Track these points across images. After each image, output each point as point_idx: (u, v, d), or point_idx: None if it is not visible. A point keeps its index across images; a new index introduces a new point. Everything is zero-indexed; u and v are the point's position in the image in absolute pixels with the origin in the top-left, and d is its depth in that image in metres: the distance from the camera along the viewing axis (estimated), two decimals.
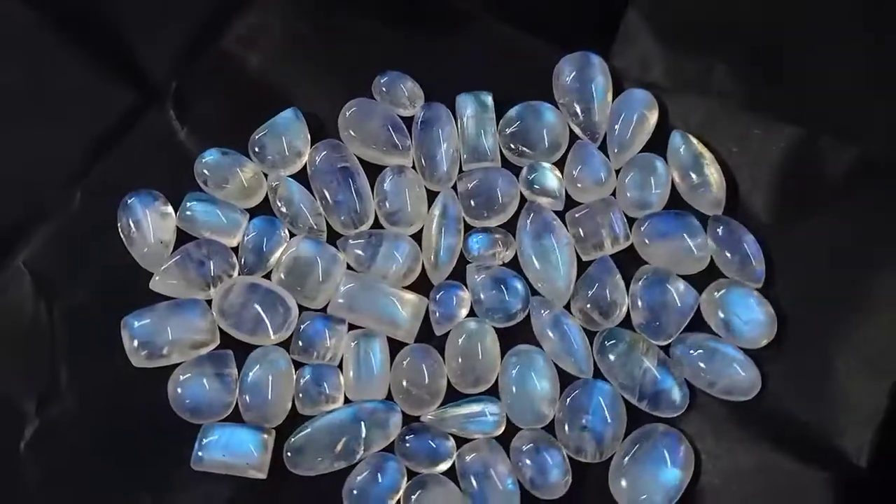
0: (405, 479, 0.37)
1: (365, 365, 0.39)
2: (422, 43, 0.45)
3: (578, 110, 0.43)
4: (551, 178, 0.42)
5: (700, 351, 0.38)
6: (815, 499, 0.36)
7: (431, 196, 0.42)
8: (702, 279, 0.40)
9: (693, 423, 0.38)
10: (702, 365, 0.38)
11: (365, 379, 0.39)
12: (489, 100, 0.43)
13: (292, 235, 0.41)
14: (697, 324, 0.39)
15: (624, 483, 0.36)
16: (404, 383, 0.38)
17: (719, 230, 0.40)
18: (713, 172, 0.41)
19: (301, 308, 0.40)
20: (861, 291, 0.39)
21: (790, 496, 0.36)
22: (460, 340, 0.39)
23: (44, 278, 0.40)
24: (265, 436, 0.37)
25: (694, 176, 0.41)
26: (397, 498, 0.36)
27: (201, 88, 0.44)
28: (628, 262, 0.40)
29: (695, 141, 0.41)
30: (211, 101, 0.44)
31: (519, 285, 0.40)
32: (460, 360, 0.39)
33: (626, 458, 0.36)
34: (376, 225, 0.42)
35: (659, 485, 0.36)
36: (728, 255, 0.39)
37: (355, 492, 0.36)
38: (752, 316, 0.38)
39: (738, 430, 0.38)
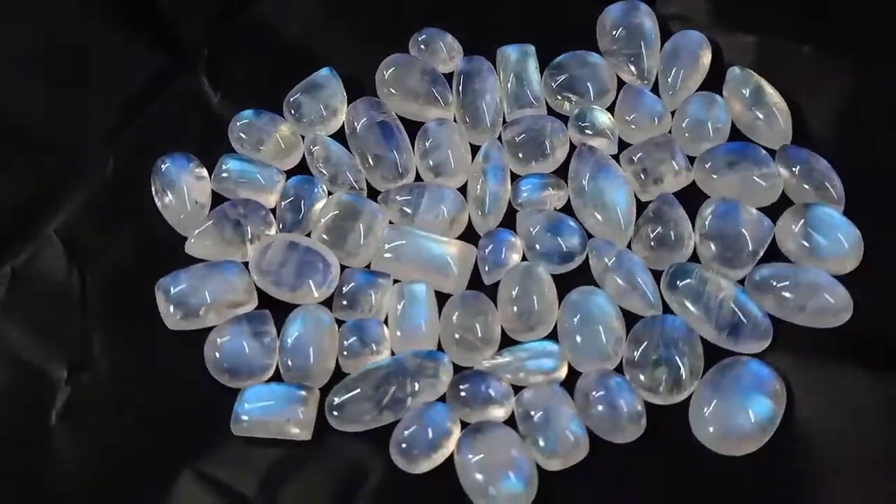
0: (458, 428, 0.33)
1: (411, 315, 0.36)
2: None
3: (628, 57, 0.41)
4: (602, 117, 0.39)
5: (782, 277, 0.34)
6: None
7: (476, 151, 0.40)
8: (773, 213, 0.36)
9: (779, 357, 0.34)
10: (785, 292, 0.34)
11: (411, 330, 0.36)
12: (531, 50, 0.41)
13: (331, 194, 0.39)
14: (773, 258, 0.36)
15: (709, 419, 0.32)
16: (455, 332, 0.35)
17: (789, 157, 0.37)
18: (777, 102, 0.38)
19: (343, 267, 0.37)
20: None
21: (886, 418, 0.32)
22: (514, 284, 0.36)
23: (76, 244, 0.38)
24: (308, 394, 0.34)
25: (756, 110, 0.38)
26: (450, 448, 0.33)
27: (234, 52, 0.43)
28: (692, 202, 0.37)
29: (755, 74, 0.39)
30: (244, 65, 0.43)
31: (575, 225, 0.37)
32: (515, 306, 0.35)
33: (709, 393, 0.32)
34: (418, 180, 0.40)
35: (750, 418, 0.32)
36: (802, 181, 0.37)
37: (404, 444, 0.33)
38: (836, 237, 0.35)
39: (829, 361, 0.33)
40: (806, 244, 0.35)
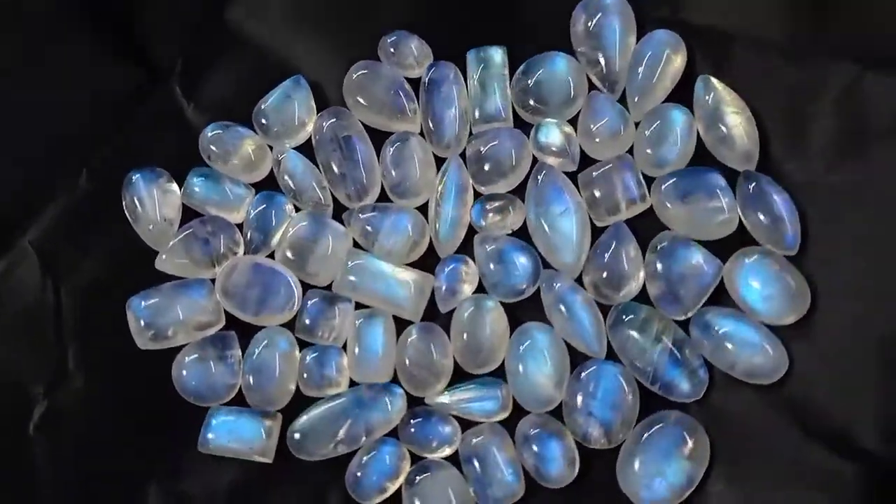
0: (408, 463, 0.36)
1: (368, 346, 0.37)
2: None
3: (597, 58, 0.39)
4: (557, 134, 0.38)
5: (721, 328, 0.34)
6: (841, 492, 0.32)
7: (440, 164, 0.40)
8: (730, 246, 0.36)
9: (711, 408, 0.34)
10: (722, 343, 0.34)
11: (368, 360, 0.37)
12: (499, 55, 0.40)
13: (298, 210, 0.40)
14: (721, 297, 0.36)
15: (631, 474, 0.33)
16: (408, 364, 0.37)
17: (749, 188, 0.36)
18: (742, 122, 0.37)
19: (307, 286, 0.39)
20: None
21: (816, 488, 0.32)
22: (465, 317, 0.37)
23: (51, 258, 0.40)
24: (270, 422, 0.37)
25: (721, 126, 0.37)
26: (399, 483, 0.35)
27: (208, 62, 0.42)
28: (647, 227, 0.37)
29: (720, 86, 0.37)
30: (217, 75, 0.42)
31: (527, 258, 0.37)
32: (465, 337, 0.37)
33: (635, 447, 0.34)
34: (383, 196, 0.40)
35: (669, 477, 0.33)
36: (758, 216, 0.35)
37: (358, 474, 0.35)
38: (779, 289, 0.34)
39: (761, 418, 0.34)
40: (749, 295, 0.34)
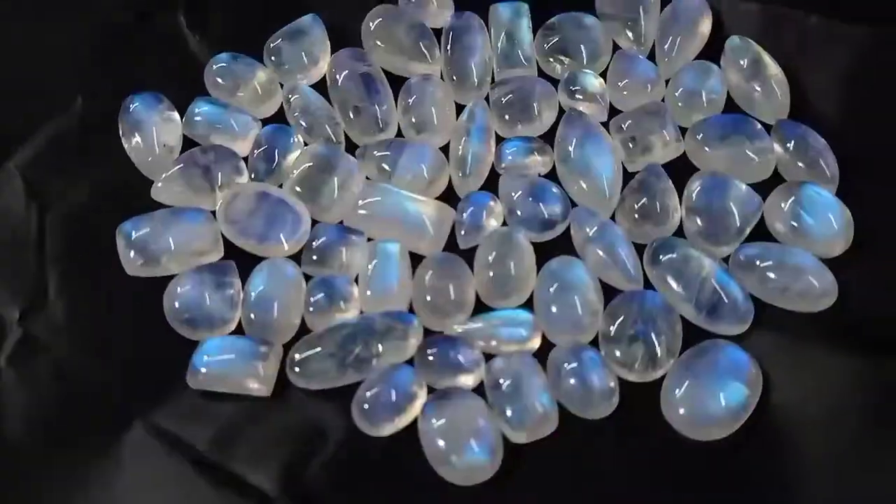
0: (424, 393, 0.32)
1: (382, 275, 0.34)
2: None
3: (624, 22, 0.39)
4: (593, 81, 0.38)
5: (766, 256, 0.33)
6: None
7: (462, 110, 0.38)
8: (765, 190, 0.35)
9: (759, 341, 0.32)
10: (769, 272, 0.33)
11: (382, 289, 0.34)
12: (525, 9, 0.40)
13: (307, 146, 0.37)
14: (761, 237, 0.34)
15: (679, 401, 0.31)
16: (427, 294, 0.34)
17: (785, 132, 0.35)
18: (776, 74, 0.37)
19: (315, 221, 0.36)
20: None
21: (873, 408, 0.30)
22: (491, 249, 0.34)
23: (38, 183, 0.37)
24: (270, 349, 0.33)
25: (754, 82, 0.37)
26: (414, 413, 0.31)
27: None
28: (681, 175, 0.36)
29: (754, 44, 0.37)
30: (226, 6, 0.41)
31: (558, 192, 0.36)
32: (490, 272, 0.34)
33: (682, 374, 0.31)
34: (400, 136, 0.38)
35: (721, 404, 0.30)
36: (796, 158, 0.35)
37: (366, 406, 0.31)
38: (826, 218, 0.33)
39: (810, 348, 0.32)
40: (794, 224, 0.33)
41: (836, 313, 0.32)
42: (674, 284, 0.33)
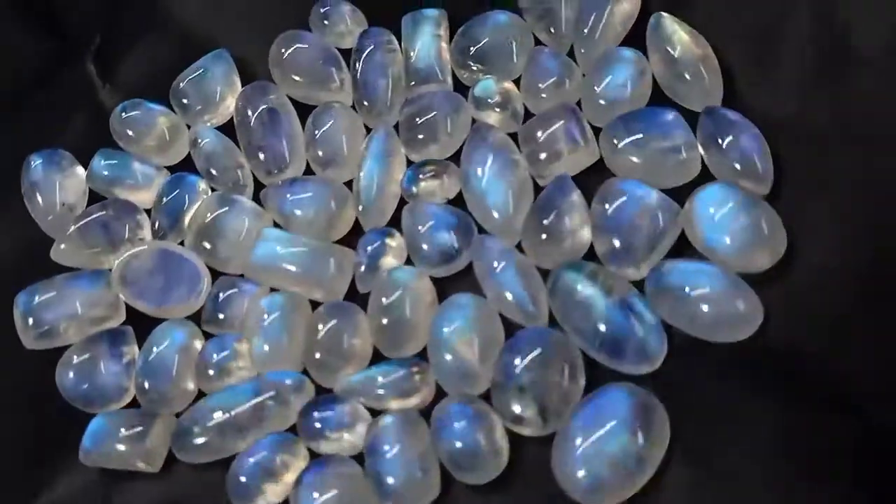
0: (304, 459, 0.29)
1: (273, 332, 0.32)
2: None
3: (542, 12, 0.34)
4: (495, 87, 0.34)
5: (680, 278, 0.28)
6: (836, 457, 0.24)
7: None
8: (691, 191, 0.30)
9: (671, 381, 0.27)
10: (683, 295, 0.28)
11: (273, 349, 0.32)
12: (435, 15, 0.36)
13: (214, 191, 0.35)
14: (683, 251, 0.29)
15: (569, 454, 0.26)
16: (316, 350, 0.31)
17: (709, 122, 0.30)
18: (700, 55, 0.31)
19: (219, 274, 0.34)
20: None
21: (805, 455, 0.25)
22: (384, 292, 0.31)
23: None
24: (155, 424, 0.31)
25: (676, 64, 0.31)
26: (290, 481, 0.29)
27: (125, 37, 0.39)
28: (598, 180, 0.31)
29: (673, 21, 0.32)
30: (135, 51, 0.39)
31: (458, 222, 0.32)
32: (384, 313, 0.31)
33: (575, 425, 0.27)
34: (308, 173, 0.35)
35: (614, 456, 0.26)
36: (722, 153, 0.30)
37: (242, 478, 0.29)
38: (749, 227, 0.28)
39: (729, 385, 0.27)
40: (712, 234, 0.28)
41: (759, 343, 0.27)
42: (572, 316, 0.28)
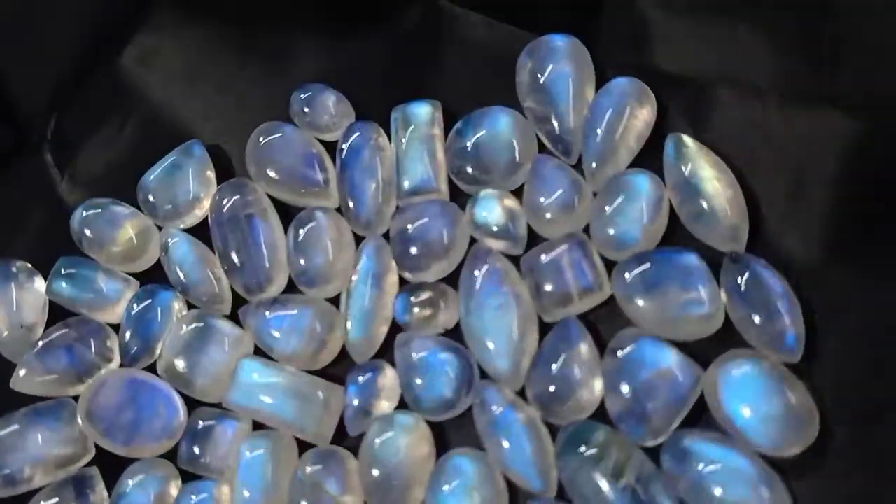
0: None
1: (253, 479, 0.30)
2: (350, 45, 0.35)
3: (546, 114, 0.31)
4: (497, 210, 0.31)
5: (701, 458, 0.26)
6: None
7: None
8: (712, 348, 0.27)
9: None
10: (703, 479, 0.26)
11: (257, 495, 0.29)
12: (427, 111, 0.33)
13: (191, 306, 0.32)
14: (703, 416, 0.27)
15: None
16: (302, 500, 0.28)
17: (736, 274, 0.27)
18: (725, 190, 0.29)
19: (196, 404, 0.31)
20: None
21: None
22: (376, 441, 0.29)
23: None
24: None
25: (695, 197, 0.29)
26: None
27: (87, 125, 0.36)
28: (608, 325, 0.29)
29: (695, 146, 0.29)
30: (98, 140, 0.35)
31: (458, 364, 0.29)
32: (375, 468, 0.28)
33: None
34: (291, 286, 0.32)
35: None
36: (749, 311, 0.27)
37: None
38: (779, 409, 0.26)
39: None
40: (737, 415, 0.26)
41: None
42: (582, 491, 0.26)
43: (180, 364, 0.31)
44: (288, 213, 0.33)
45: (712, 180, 0.29)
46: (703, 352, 0.28)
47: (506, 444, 0.28)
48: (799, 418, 0.25)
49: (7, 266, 0.34)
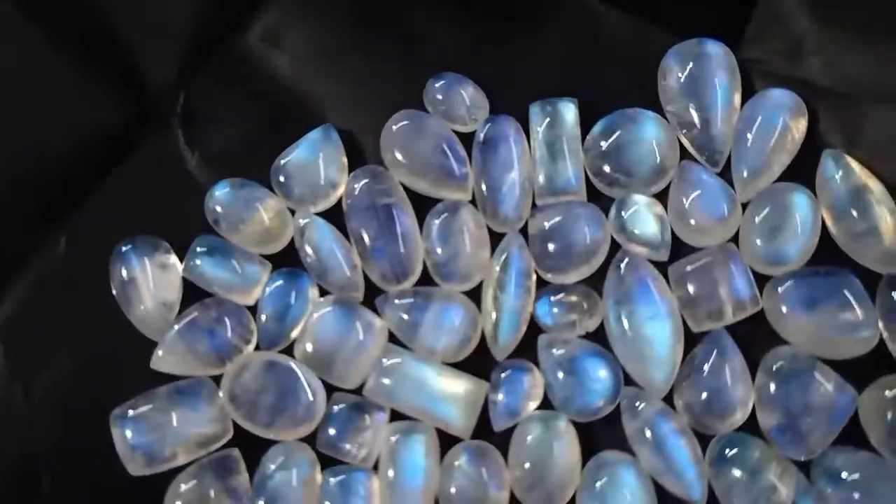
0: None
1: (405, 470, 0.31)
2: (488, 36, 0.34)
3: (693, 120, 0.32)
4: (648, 217, 0.31)
5: (857, 475, 0.27)
6: None
7: (496, 239, 0.33)
8: (864, 369, 0.28)
9: None
10: (858, 496, 0.27)
11: (405, 489, 0.30)
12: (571, 110, 0.33)
13: (322, 292, 0.33)
14: (853, 435, 0.28)
15: None
16: (454, 495, 0.30)
17: (893, 296, 0.28)
18: (885, 212, 0.29)
19: (332, 388, 0.32)
20: None
21: None
22: (528, 441, 0.30)
23: (19, 350, 0.33)
24: None
25: (856, 216, 0.29)
26: None
27: (216, 102, 0.35)
28: (756, 338, 0.29)
29: (857, 166, 0.30)
30: (227, 117, 0.35)
31: (606, 369, 0.30)
32: (527, 466, 0.29)
33: None
34: (425, 276, 0.33)
35: None
36: None
37: None
38: None
39: None
40: (893, 433, 0.27)
41: None
42: (738, 500, 0.27)
43: (318, 349, 0.32)
44: (421, 204, 0.33)
45: (878, 202, 0.29)
46: (853, 369, 0.28)
47: (657, 451, 0.29)
48: None
49: (147, 243, 0.33)
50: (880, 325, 0.29)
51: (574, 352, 0.30)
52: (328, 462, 0.32)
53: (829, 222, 0.30)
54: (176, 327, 0.33)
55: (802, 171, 0.31)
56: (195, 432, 0.32)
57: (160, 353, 0.32)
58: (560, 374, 0.30)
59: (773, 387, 0.28)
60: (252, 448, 0.32)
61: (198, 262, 0.33)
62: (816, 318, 0.29)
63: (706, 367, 0.29)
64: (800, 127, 0.31)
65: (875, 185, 0.29)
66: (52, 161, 0.34)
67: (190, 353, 0.32)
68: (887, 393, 0.27)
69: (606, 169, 0.32)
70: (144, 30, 0.35)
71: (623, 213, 0.31)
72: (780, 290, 0.29)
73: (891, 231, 0.29)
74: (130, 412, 0.32)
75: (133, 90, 0.35)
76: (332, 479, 0.31)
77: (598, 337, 0.31)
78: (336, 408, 0.32)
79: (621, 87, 0.33)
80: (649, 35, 0.33)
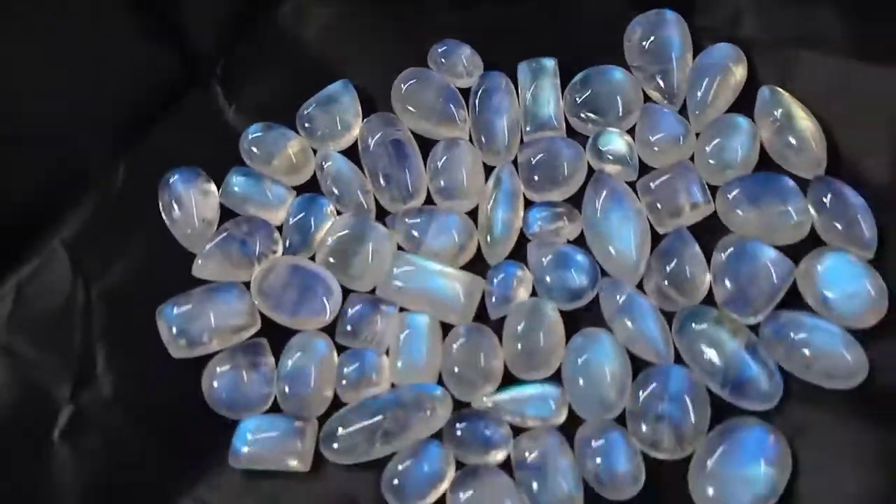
0: (453, 469, 0.32)
1: (412, 348, 0.35)
2: (482, 9, 0.41)
3: (654, 72, 0.38)
4: (620, 142, 0.37)
5: (795, 328, 0.32)
6: None
7: (490, 172, 0.38)
8: (799, 251, 0.34)
9: (788, 417, 0.32)
10: (797, 344, 0.32)
11: (412, 363, 0.35)
12: (552, 65, 0.39)
13: (340, 214, 0.38)
14: (793, 301, 0.34)
15: (706, 484, 0.31)
16: (455, 366, 0.34)
17: (821, 191, 0.34)
18: (810, 127, 0.36)
19: (348, 290, 0.37)
20: None
21: None
22: (519, 320, 0.35)
23: (82, 258, 0.38)
24: (306, 426, 0.34)
25: (788, 134, 0.36)
26: (443, 489, 0.32)
27: (250, 64, 0.42)
28: (711, 234, 0.35)
29: (787, 95, 0.36)
30: (260, 77, 0.41)
31: (586, 261, 0.35)
32: (519, 343, 0.34)
33: (709, 455, 0.31)
34: (429, 202, 0.38)
35: (749, 487, 0.30)
36: (832, 219, 0.34)
37: (395, 481, 0.32)
38: (858, 289, 0.32)
39: (842, 424, 0.31)
40: (825, 294, 0.33)
41: (869, 389, 0.31)
42: (700, 357, 0.33)
43: (336, 254, 0.37)
44: (426, 146, 0.39)
45: (802, 119, 0.36)
46: (792, 255, 0.34)
47: (631, 323, 0.34)
48: (875, 297, 0.32)
49: (192, 172, 0.39)
50: (811, 211, 0.34)
51: (558, 250, 0.36)
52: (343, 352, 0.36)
53: (765, 140, 0.36)
54: (213, 240, 0.38)
55: (744, 107, 0.38)
56: (228, 323, 0.36)
57: (199, 262, 0.37)
58: (546, 268, 0.35)
59: (724, 263, 0.34)
60: (278, 337, 0.36)
61: (233, 186, 0.39)
62: (759, 212, 0.35)
63: (670, 255, 0.35)
64: (740, 70, 0.38)
65: (801, 108, 0.36)
66: (121, 106, 0.41)
67: (225, 260, 0.37)
68: (822, 259, 0.33)
69: (582, 113, 0.38)
70: (195, 8, 0.42)
71: (598, 141, 0.37)
72: (729, 191, 0.35)
73: (814, 143, 0.35)
74: (173, 307, 0.36)
75: (183, 56, 0.42)
76: (347, 358, 0.35)
77: (579, 243, 0.37)
78: (352, 304, 0.36)
79: (594, 47, 0.40)
80: (619, 8, 0.40)
